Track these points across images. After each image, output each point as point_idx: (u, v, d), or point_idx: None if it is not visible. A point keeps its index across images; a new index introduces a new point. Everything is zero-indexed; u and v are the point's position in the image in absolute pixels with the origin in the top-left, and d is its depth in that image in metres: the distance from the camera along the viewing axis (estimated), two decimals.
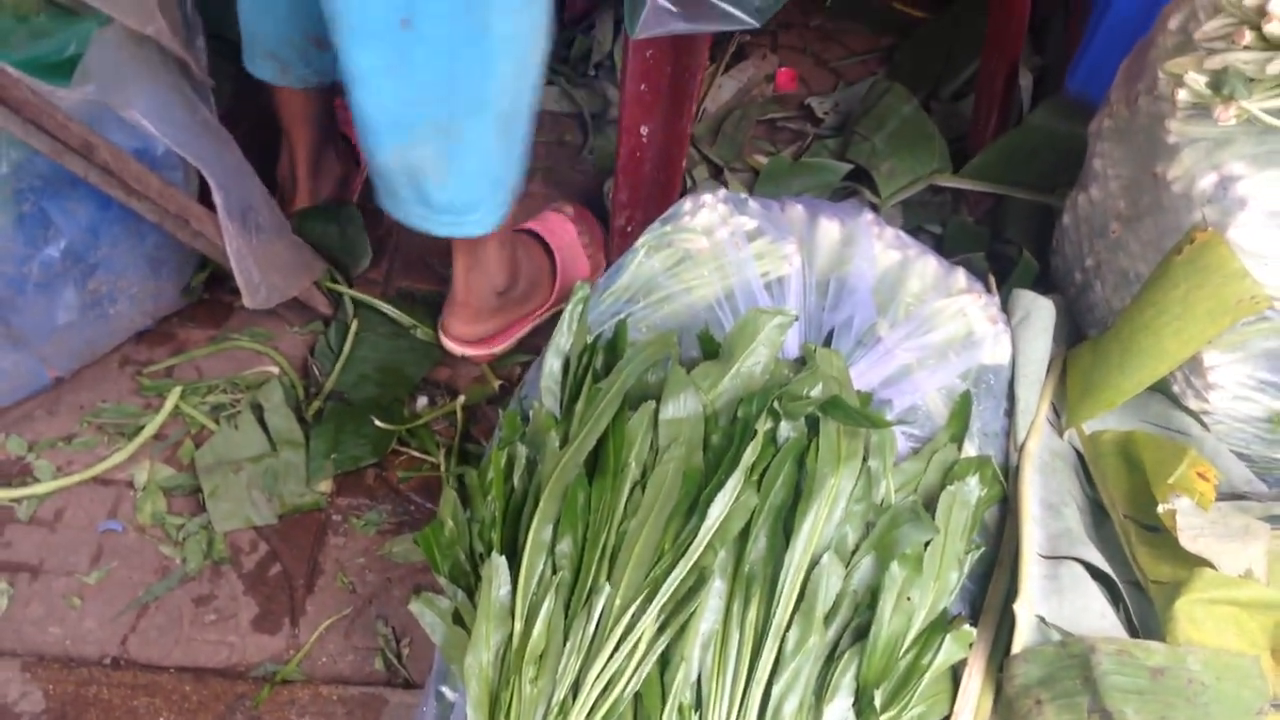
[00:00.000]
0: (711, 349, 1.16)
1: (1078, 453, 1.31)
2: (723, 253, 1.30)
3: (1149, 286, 1.28)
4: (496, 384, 1.67)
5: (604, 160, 1.99)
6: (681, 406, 1.09)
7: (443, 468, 1.56)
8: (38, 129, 1.26)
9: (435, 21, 1.25)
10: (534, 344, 1.73)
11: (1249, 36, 1.19)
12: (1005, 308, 1.40)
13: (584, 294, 1.24)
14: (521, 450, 1.15)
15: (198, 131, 1.51)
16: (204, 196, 1.51)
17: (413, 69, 1.28)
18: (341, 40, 1.29)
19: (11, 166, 1.36)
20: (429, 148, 1.34)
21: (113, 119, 1.42)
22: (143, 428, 1.56)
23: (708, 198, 1.37)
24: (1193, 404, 1.33)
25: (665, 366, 1.15)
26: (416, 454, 1.58)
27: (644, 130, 1.69)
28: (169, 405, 1.58)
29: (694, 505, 1.04)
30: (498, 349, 1.71)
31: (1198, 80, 1.22)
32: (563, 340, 1.23)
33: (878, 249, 1.35)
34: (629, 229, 1.80)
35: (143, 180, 1.38)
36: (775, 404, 1.06)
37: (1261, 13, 1.19)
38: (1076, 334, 1.53)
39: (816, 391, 1.09)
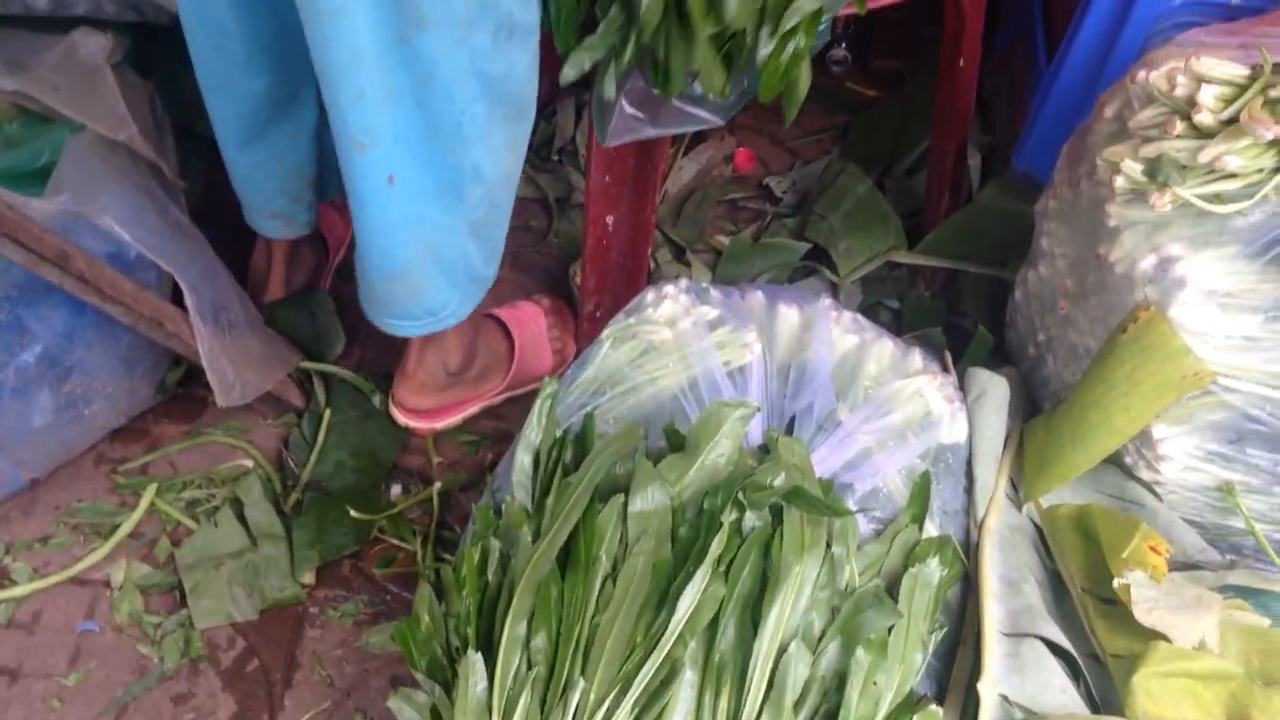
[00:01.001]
0: (677, 441, 1.20)
1: (1036, 526, 1.35)
2: (686, 343, 1.34)
3: (1097, 363, 1.33)
4: (435, 460, 1.71)
5: (569, 244, 2.03)
6: (649, 499, 1.12)
7: (419, 555, 1.58)
8: (13, 242, 1.29)
9: (418, 177, 1.32)
10: (482, 425, 1.76)
11: (1180, 126, 1.25)
12: (962, 385, 1.44)
13: (552, 390, 1.27)
14: (495, 545, 1.18)
15: (170, 234, 1.55)
16: (178, 295, 1.54)
17: (400, 219, 1.36)
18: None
19: None
20: (416, 274, 1.43)
21: (86, 224, 1.45)
22: (119, 526, 1.58)
23: (670, 289, 1.41)
24: (1145, 475, 1.38)
25: (633, 458, 1.19)
26: (394, 542, 1.60)
27: (609, 219, 1.74)
28: (144, 503, 1.60)
29: (664, 597, 1.06)
30: (440, 424, 1.74)
31: (1134, 168, 1.28)
32: (533, 434, 1.26)
33: (836, 333, 1.39)
34: (598, 314, 1.84)
35: (117, 286, 1.41)
36: (740, 495, 1.10)
37: (1192, 104, 1.25)
38: (1032, 406, 1.58)
39: (780, 481, 1.13)
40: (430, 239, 1.41)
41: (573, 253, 2.01)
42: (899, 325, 1.86)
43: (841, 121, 2.27)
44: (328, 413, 1.70)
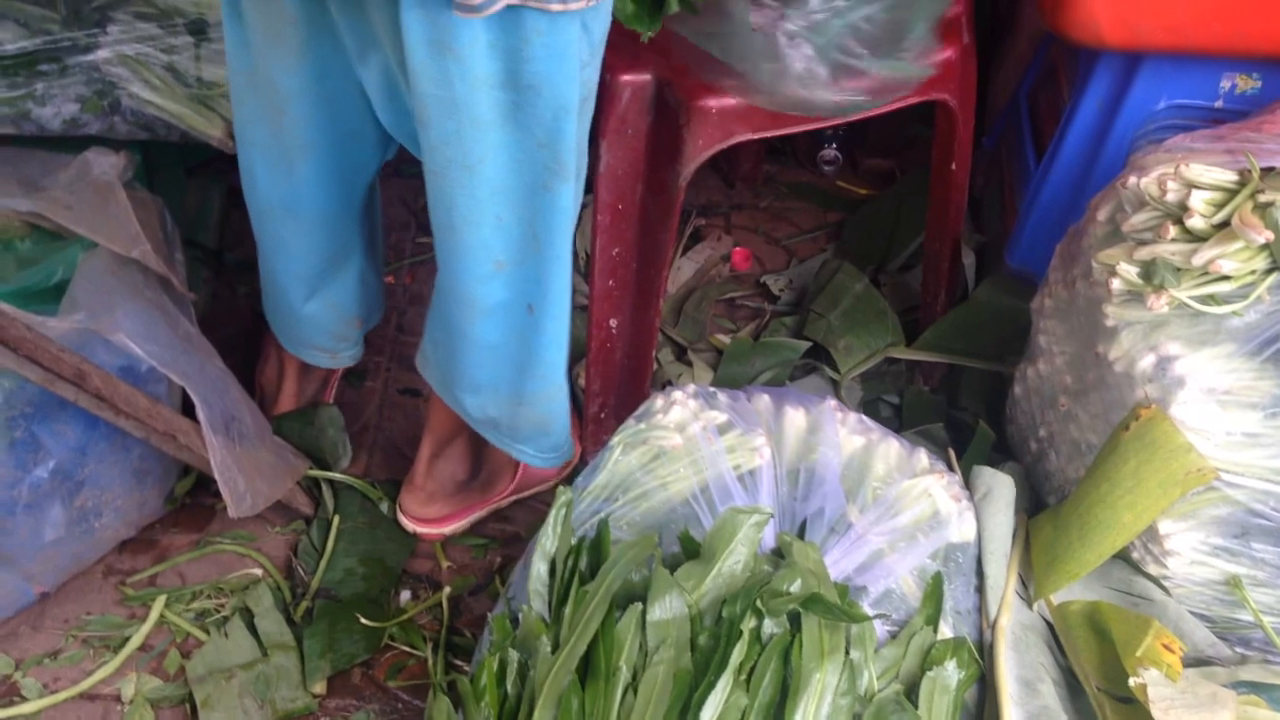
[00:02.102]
0: (692, 549, 1.21)
1: (1048, 623, 1.37)
2: (696, 448, 1.36)
3: (1101, 461, 1.35)
4: (445, 565, 1.71)
5: (571, 346, 2.05)
6: (668, 608, 1.13)
7: (431, 662, 1.58)
8: (32, 362, 1.31)
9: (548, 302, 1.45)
10: (489, 528, 1.77)
11: (1174, 230, 1.29)
12: (967, 482, 1.46)
13: (567, 499, 1.29)
14: (514, 655, 1.19)
15: (181, 348, 1.56)
16: (188, 403, 1.55)
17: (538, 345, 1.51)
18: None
19: (4, 395, 1.41)
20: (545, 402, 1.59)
21: (99, 340, 1.47)
22: (128, 639, 1.57)
23: (678, 394, 1.43)
24: (1153, 570, 1.39)
25: (649, 565, 1.20)
26: (405, 649, 1.60)
27: (613, 323, 1.77)
28: (154, 615, 1.59)
29: (686, 707, 1.07)
30: (448, 529, 1.75)
31: (1129, 270, 1.32)
32: (548, 543, 1.27)
33: (842, 435, 1.41)
34: (602, 416, 1.86)
35: (132, 402, 1.42)
36: (759, 602, 1.11)
37: (1184, 208, 1.29)
38: (1035, 501, 1.59)
39: (796, 587, 1.14)
40: (559, 363, 1.53)
41: (575, 355, 2.03)
42: (899, 420, 1.89)
43: (835, 219, 2.32)
44: (336, 520, 1.71)
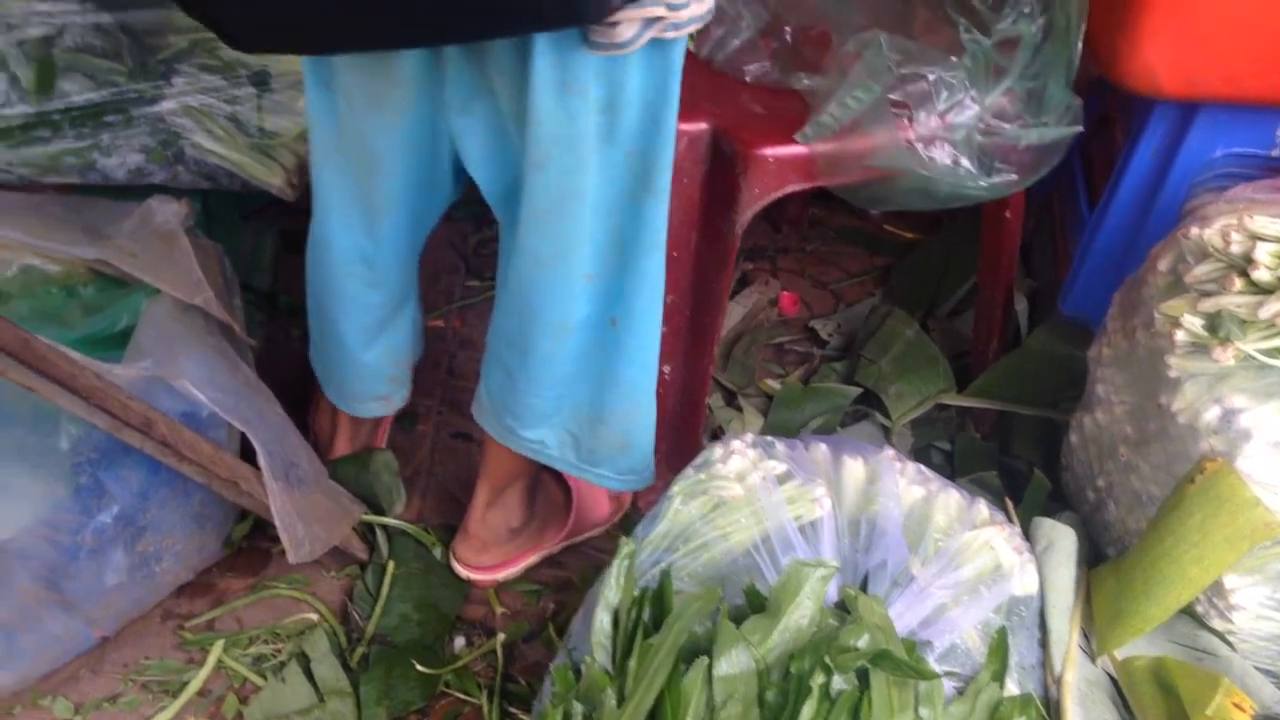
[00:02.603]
0: (758, 602, 1.21)
1: (1112, 678, 1.35)
2: (756, 498, 1.36)
3: (1165, 513, 1.34)
4: (499, 611, 1.71)
5: None
6: (734, 663, 1.13)
7: (485, 710, 1.58)
8: (101, 410, 1.32)
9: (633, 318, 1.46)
10: (541, 574, 1.78)
11: (1239, 282, 1.29)
12: (1025, 533, 1.46)
13: (630, 550, 1.29)
14: (578, 708, 1.19)
15: (242, 394, 1.58)
16: (246, 448, 1.57)
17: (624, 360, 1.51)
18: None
19: (71, 442, 1.42)
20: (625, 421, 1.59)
21: (163, 385, 1.49)
22: (187, 684, 1.58)
23: (737, 444, 1.44)
24: (1217, 624, 1.38)
25: (713, 618, 1.20)
26: (459, 696, 1.60)
27: (666, 369, 1.77)
28: (212, 660, 1.60)
29: None
30: (501, 575, 1.75)
31: (1194, 322, 1.31)
32: (611, 594, 1.27)
33: (901, 486, 1.41)
34: (654, 461, 1.86)
35: (195, 448, 1.44)
36: (826, 658, 1.10)
37: (1248, 260, 1.29)
38: (1094, 551, 1.58)
39: (864, 642, 1.13)
40: (642, 384, 1.53)
41: None
42: (951, 468, 1.88)
43: (882, 264, 2.32)
44: (391, 565, 1.71)
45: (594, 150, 1.31)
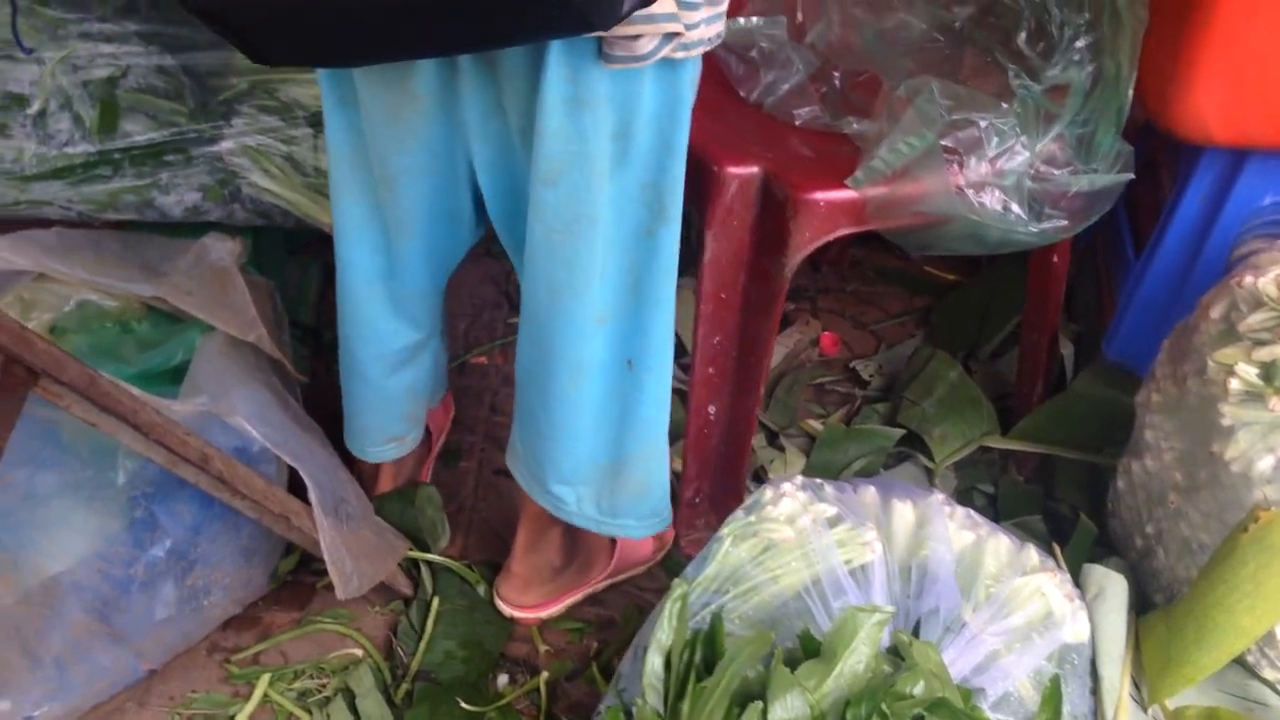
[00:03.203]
0: (812, 647, 1.21)
1: None
2: (806, 541, 1.36)
3: (1217, 562, 1.34)
4: (543, 649, 1.71)
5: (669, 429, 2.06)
6: (789, 708, 1.13)
7: None
8: (160, 445, 1.34)
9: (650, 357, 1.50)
10: (585, 612, 1.78)
11: None
12: (1075, 579, 1.45)
13: (682, 592, 1.29)
14: None
15: (292, 430, 1.60)
16: (293, 484, 1.58)
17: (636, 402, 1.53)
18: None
19: (127, 476, 1.44)
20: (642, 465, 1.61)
21: (216, 421, 1.51)
22: (232, 718, 1.59)
23: (787, 486, 1.44)
24: (1268, 674, 1.37)
25: (765, 661, 1.20)
26: None
27: (711, 409, 1.78)
28: (258, 694, 1.61)
29: None
30: (544, 614, 1.76)
31: (1249, 371, 1.31)
32: (663, 636, 1.27)
33: (951, 530, 1.41)
34: (696, 500, 1.87)
35: (249, 483, 1.45)
36: (883, 705, 1.10)
37: None
38: (1142, 599, 1.57)
39: (919, 690, 1.13)
40: (659, 421, 1.56)
41: (671, 438, 2.04)
42: (994, 511, 1.88)
43: (922, 305, 2.33)
44: (436, 602, 1.72)
45: (607, 177, 1.32)
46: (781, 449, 2.00)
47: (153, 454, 1.37)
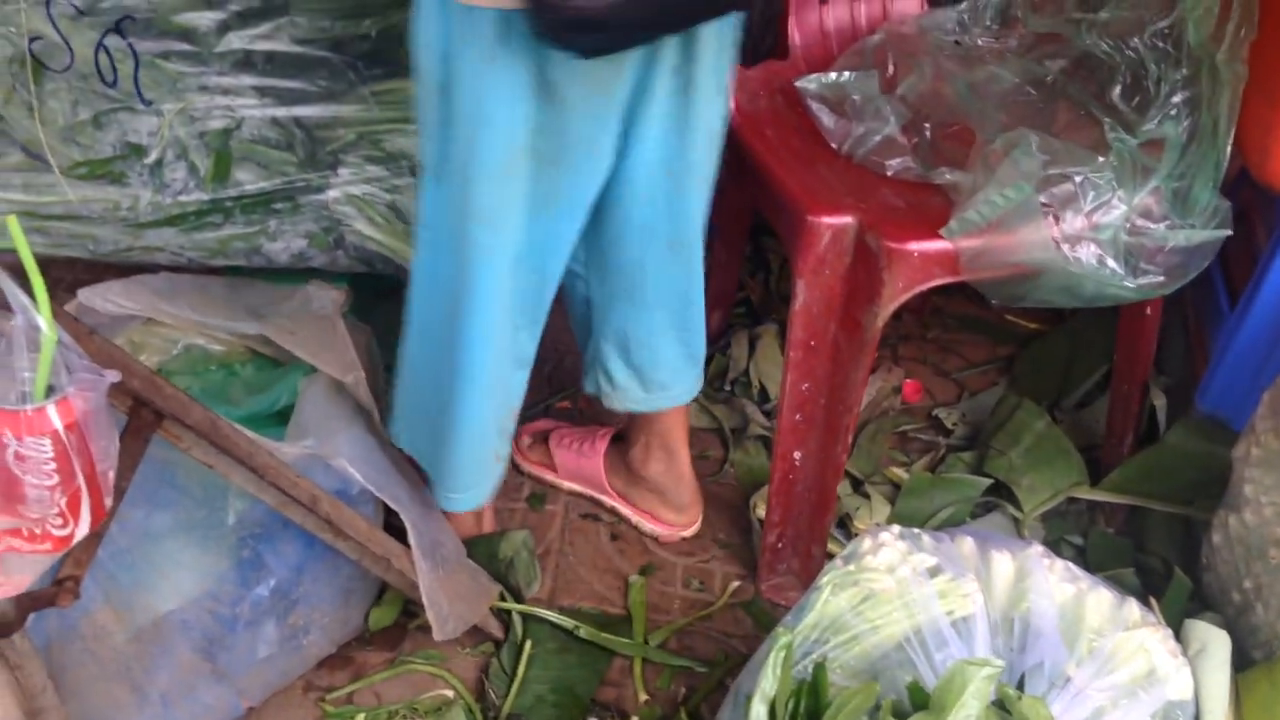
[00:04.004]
0: (920, 699, 1.21)
1: None
2: (907, 591, 1.36)
3: None
4: (642, 697, 1.72)
5: (745, 475, 2.08)
6: None
7: None
8: (272, 486, 1.37)
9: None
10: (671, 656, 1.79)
11: None
12: (1175, 634, 1.44)
13: (787, 641, 1.30)
14: None
15: (390, 473, 1.63)
16: (388, 527, 1.61)
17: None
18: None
19: (237, 516, 1.48)
20: None
21: (319, 462, 1.54)
22: None
23: (885, 535, 1.44)
24: None
25: (869, 712, 1.20)
26: None
27: (797, 456, 1.79)
28: None
29: None
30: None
31: None
32: (768, 685, 1.28)
33: (1052, 583, 1.40)
34: (779, 545, 1.87)
35: (354, 525, 1.48)
36: None
37: None
38: (1240, 655, 1.55)
39: None
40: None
41: (749, 483, 2.06)
42: (1084, 563, 1.86)
43: (1004, 353, 2.33)
44: (528, 645, 1.73)
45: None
46: (866, 496, 2.01)
47: (265, 495, 1.40)
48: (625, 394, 1.80)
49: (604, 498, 2.00)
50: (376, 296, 2.21)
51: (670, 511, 1.96)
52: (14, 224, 1.04)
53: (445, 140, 1.41)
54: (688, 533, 1.97)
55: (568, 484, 2.03)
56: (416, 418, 1.66)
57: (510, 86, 1.36)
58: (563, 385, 2.25)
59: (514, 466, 2.05)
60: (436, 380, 1.58)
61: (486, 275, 1.48)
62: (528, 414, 2.13)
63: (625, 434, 1.97)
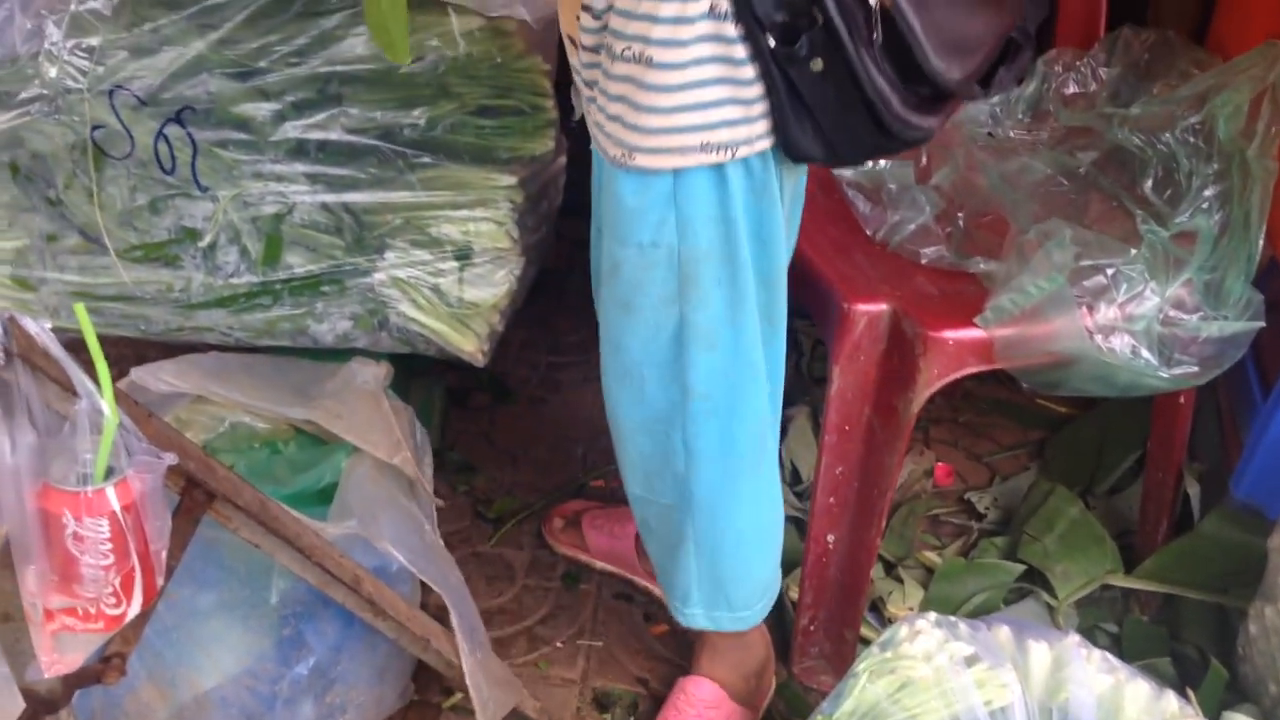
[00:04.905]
0: None
1: None
2: (944, 679, 1.36)
3: None
4: None
5: (787, 558, 2.08)
6: None
7: None
8: (317, 566, 1.39)
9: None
10: None
11: None
12: None
13: None
14: None
15: (430, 554, 1.64)
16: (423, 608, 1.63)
17: None
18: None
19: (280, 595, 1.50)
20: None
21: (361, 541, 1.56)
22: None
23: (922, 623, 1.45)
24: None
25: None
26: None
27: (830, 538, 1.80)
28: None
29: None
30: None
31: None
32: None
33: (1090, 673, 1.40)
34: (811, 628, 1.87)
35: (395, 606, 1.50)
36: None
37: None
38: None
39: None
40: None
41: (789, 566, 2.06)
42: (1119, 651, 1.86)
43: (1035, 437, 2.34)
44: None
45: None
46: (899, 580, 2.01)
47: (308, 575, 1.42)
48: None
49: (636, 578, 2.01)
50: (409, 374, 2.25)
51: None
52: (81, 311, 1.08)
53: (731, 303, 1.41)
54: None
55: (600, 564, 2.04)
56: (736, 574, 1.65)
57: (780, 215, 1.40)
58: (595, 465, 2.27)
59: (548, 547, 2.07)
60: (762, 527, 1.65)
61: (763, 405, 1.53)
62: (561, 494, 2.16)
63: None
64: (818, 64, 1.22)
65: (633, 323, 1.43)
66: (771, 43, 1.22)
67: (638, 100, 1.27)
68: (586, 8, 1.30)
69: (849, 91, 1.23)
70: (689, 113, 1.27)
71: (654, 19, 1.22)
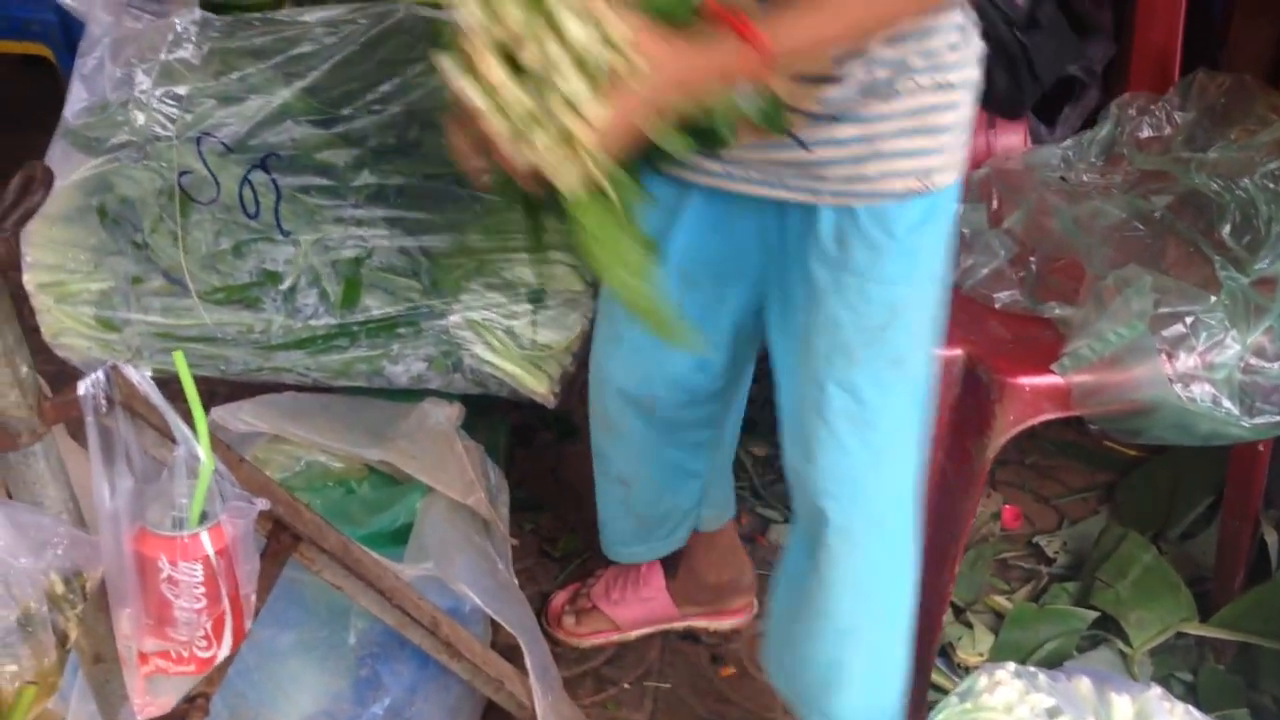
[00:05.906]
0: None
1: None
2: None
3: None
4: None
5: None
6: None
7: None
8: (396, 608, 1.40)
9: None
10: None
11: None
12: None
13: None
14: None
15: (504, 595, 1.65)
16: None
17: None
18: None
19: (358, 636, 1.51)
20: None
21: (437, 582, 1.57)
22: None
23: (1002, 673, 1.43)
24: None
25: None
26: None
27: None
28: None
29: None
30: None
31: None
32: None
33: None
34: None
35: (470, 647, 1.50)
36: None
37: None
38: None
39: None
40: None
41: None
42: (1194, 700, 1.83)
43: (1104, 480, 2.31)
44: None
45: None
46: (968, 625, 1.99)
47: (387, 616, 1.43)
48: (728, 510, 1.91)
49: (677, 625, 1.99)
50: (475, 412, 2.27)
51: (739, 598, 2.00)
52: (180, 359, 1.10)
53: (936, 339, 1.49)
54: (756, 609, 2.01)
55: (636, 633, 2.00)
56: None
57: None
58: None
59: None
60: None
61: None
62: (544, 596, 2.09)
63: (679, 556, 1.96)
64: None
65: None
66: None
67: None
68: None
69: None
70: None
71: None
